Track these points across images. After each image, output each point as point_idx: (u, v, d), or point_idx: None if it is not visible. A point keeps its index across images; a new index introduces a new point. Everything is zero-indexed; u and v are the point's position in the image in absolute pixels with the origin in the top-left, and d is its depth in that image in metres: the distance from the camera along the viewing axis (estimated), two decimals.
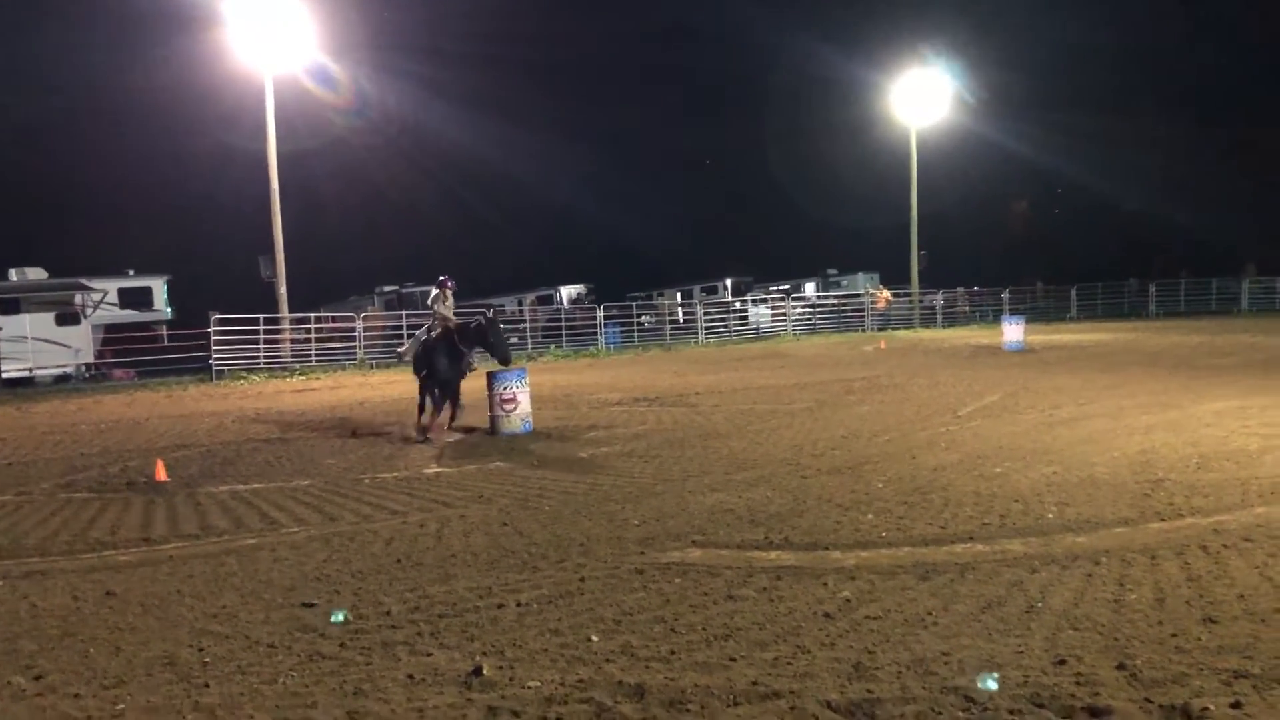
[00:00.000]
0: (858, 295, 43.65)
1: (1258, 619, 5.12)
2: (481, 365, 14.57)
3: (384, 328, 34.07)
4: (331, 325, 33.13)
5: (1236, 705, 4.09)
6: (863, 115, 49.93)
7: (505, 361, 13.95)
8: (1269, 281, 45.22)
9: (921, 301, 43.40)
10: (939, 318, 42.65)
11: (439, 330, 13.99)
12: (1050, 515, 7.58)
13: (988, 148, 60.50)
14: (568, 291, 47.86)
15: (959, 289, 45.93)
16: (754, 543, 7.14)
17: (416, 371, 14.24)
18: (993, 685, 4.44)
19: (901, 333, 38.40)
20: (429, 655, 5.08)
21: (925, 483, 9.00)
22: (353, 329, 31.44)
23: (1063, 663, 4.62)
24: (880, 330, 39.22)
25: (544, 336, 36.25)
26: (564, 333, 35.85)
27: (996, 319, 33.49)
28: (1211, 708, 4.07)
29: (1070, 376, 18.11)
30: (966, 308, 44.94)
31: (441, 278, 14.40)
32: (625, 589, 6.10)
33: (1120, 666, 4.55)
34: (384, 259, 57.91)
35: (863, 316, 41.07)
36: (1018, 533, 7.08)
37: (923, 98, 42.56)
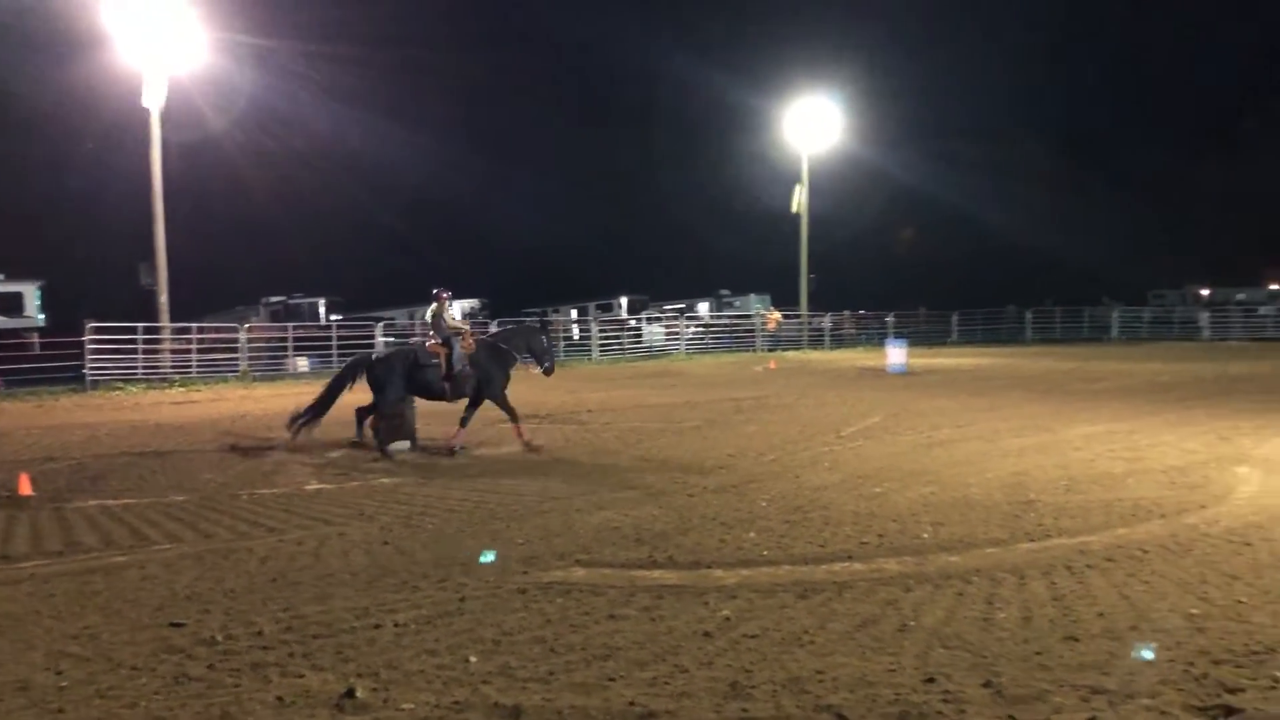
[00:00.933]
0: (749, 316, 44.21)
1: (1115, 637, 5.34)
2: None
3: (269, 339, 33.22)
4: (214, 336, 32.16)
5: None
6: (757, 140, 50.74)
7: (549, 371, 14.01)
8: (1137, 310, 47.44)
9: (810, 323, 44.15)
10: (827, 339, 43.46)
11: (467, 341, 13.34)
12: (926, 535, 7.78)
13: (876, 175, 62.13)
14: (462, 306, 47.37)
15: (846, 312, 46.86)
16: (638, 561, 7.16)
17: (477, 390, 13.29)
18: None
19: (791, 353, 39.00)
20: (300, 677, 4.95)
21: (807, 502, 9.16)
22: (236, 340, 30.59)
23: (932, 680, 4.74)
24: (770, 351, 39.74)
25: None
26: None
27: (882, 342, 34.24)
28: None
29: (949, 399, 18.64)
30: (853, 330, 45.90)
31: (435, 289, 13.74)
32: (506, 609, 6.05)
33: (987, 684, 4.68)
34: (272, 268, 56.39)
35: (754, 337, 41.61)
36: (894, 552, 7.26)
37: (814, 125, 43.42)
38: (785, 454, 12.20)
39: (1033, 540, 7.56)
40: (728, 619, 5.76)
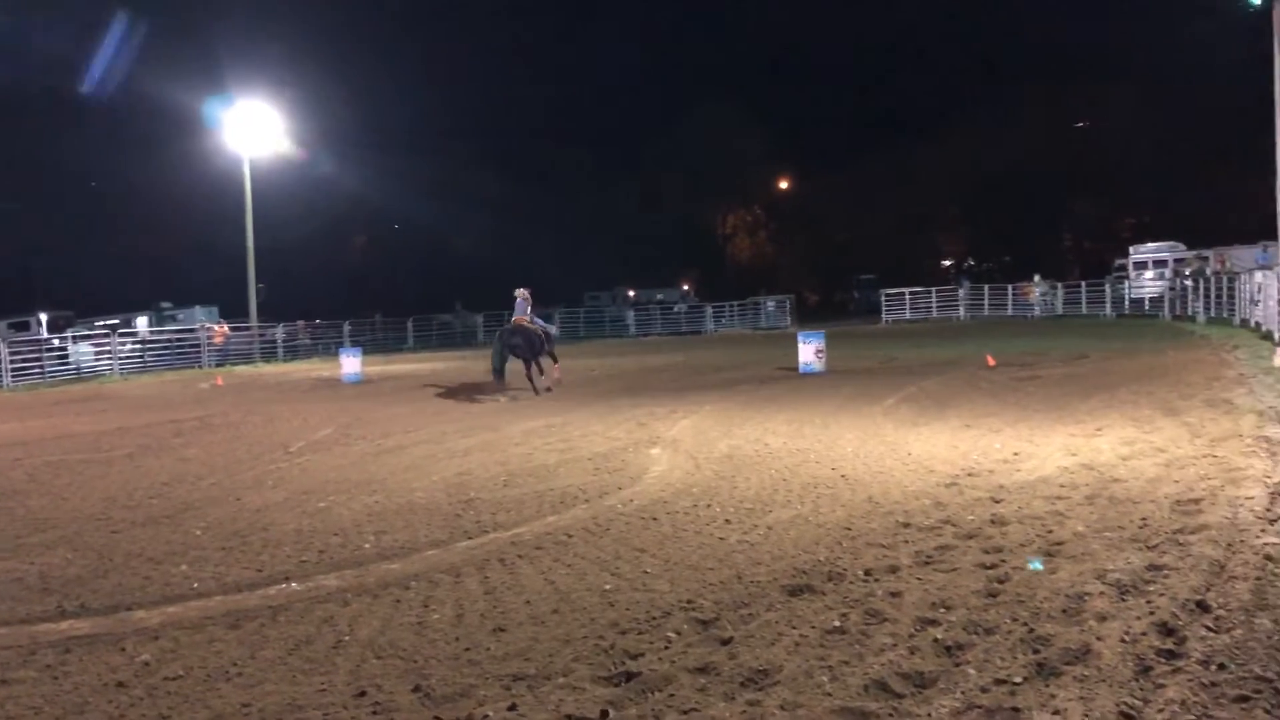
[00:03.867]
0: (194, 330, 41.46)
1: (539, 622, 5.67)
2: None
3: None
4: None
5: (513, 708, 4.46)
6: (194, 142, 47.76)
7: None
8: (574, 311, 51.83)
9: (262, 335, 42.49)
10: (280, 351, 42.07)
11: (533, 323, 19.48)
12: (368, 545, 7.75)
13: (325, 183, 61.48)
14: None
15: (300, 321, 45.72)
16: (42, 615, 6.34)
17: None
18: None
19: (241, 368, 37.23)
20: None
21: (246, 525, 8.72)
22: None
23: (363, 694, 4.71)
24: (218, 366, 37.63)
25: None
26: None
27: (338, 351, 33.83)
28: (490, 714, 4.40)
29: (403, 406, 18.86)
30: (308, 340, 44.87)
31: (518, 290, 19.49)
32: None
33: (416, 689, 4.74)
34: None
35: (200, 352, 39.08)
36: (334, 567, 7.14)
37: (255, 129, 41.86)
38: (227, 476, 11.53)
39: (471, 538, 7.82)
40: (147, 664, 5.29)
